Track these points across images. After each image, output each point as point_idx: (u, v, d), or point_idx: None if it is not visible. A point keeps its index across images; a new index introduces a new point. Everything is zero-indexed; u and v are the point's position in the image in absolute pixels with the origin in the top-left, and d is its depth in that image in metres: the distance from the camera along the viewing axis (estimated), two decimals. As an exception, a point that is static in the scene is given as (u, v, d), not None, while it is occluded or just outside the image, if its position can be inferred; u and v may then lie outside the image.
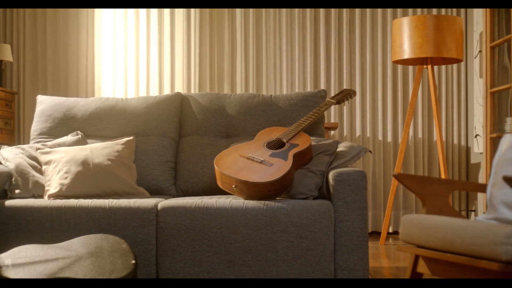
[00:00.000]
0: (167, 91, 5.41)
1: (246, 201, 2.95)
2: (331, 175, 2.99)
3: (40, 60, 5.49)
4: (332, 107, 5.43)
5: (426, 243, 2.13)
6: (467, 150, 5.50)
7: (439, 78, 5.47)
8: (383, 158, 5.46)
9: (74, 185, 3.16)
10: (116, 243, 2.81)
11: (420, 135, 5.45)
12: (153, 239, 2.96)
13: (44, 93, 5.50)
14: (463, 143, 5.47)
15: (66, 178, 3.17)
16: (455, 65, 5.46)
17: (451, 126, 5.49)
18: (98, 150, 3.30)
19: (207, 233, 2.92)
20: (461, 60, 4.71)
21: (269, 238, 2.89)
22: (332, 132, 5.39)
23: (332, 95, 5.37)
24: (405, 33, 4.62)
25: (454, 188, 2.35)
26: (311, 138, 3.40)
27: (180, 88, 5.46)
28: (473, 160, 5.36)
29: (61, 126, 3.60)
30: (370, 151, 3.28)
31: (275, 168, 2.96)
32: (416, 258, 2.31)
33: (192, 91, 5.35)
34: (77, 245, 2.78)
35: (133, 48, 5.46)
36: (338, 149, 3.30)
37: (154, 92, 5.44)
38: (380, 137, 5.43)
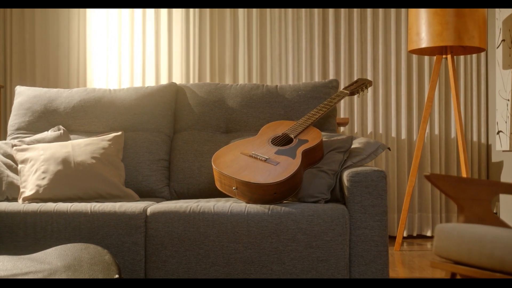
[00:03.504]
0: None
1: (248, 205, 2.61)
2: (345, 175, 2.64)
3: (28, 50, 5.12)
4: (342, 101, 5.05)
5: (468, 259, 1.74)
6: (488, 147, 5.11)
7: (457, 69, 5.09)
8: (396, 156, 5.09)
9: (53, 186, 2.78)
10: (98, 254, 2.43)
11: (436, 131, 5.07)
12: (142, 248, 2.59)
13: (33, 86, 5.13)
14: (483, 140, 5.08)
15: (43, 178, 2.79)
16: (474, 56, 5.07)
17: (470, 122, 5.11)
18: (81, 147, 2.92)
19: (204, 242, 2.56)
20: (484, 50, 4.33)
21: (275, 247, 2.53)
22: (342, 128, 5.01)
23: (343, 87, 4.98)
24: (423, 19, 4.23)
25: (497, 191, 1.96)
26: (322, 133, 3.03)
27: (178, 81, 5.09)
28: (494, 159, 4.97)
29: (41, 120, 3.23)
30: (389, 148, 2.91)
31: (282, 167, 2.61)
32: (453, 276, 1.92)
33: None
34: (52, 257, 2.41)
35: (127, 38, 5.09)
36: (352, 146, 2.94)
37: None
38: (393, 134, 5.06)
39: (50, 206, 2.65)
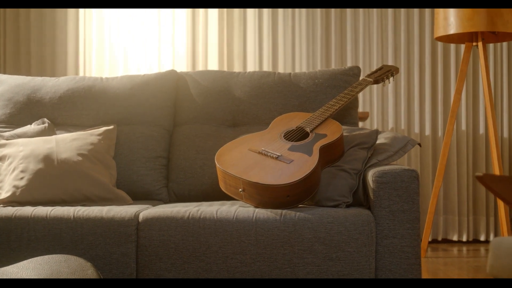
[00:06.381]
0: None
1: (257, 210, 2.25)
2: (370, 175, 2.29)
3: (23, 38, 4.78)
4: (360, 94, 4.67)
5: (537, 284, 1.35)
6: (519, 144, 4.71)
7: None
8: (419, 154, 4.70)
9: (32, 187, 2.42)
10: (80, 268, 2.08)
11: (463, 127, 4.68)
12: (132, 261, 2.24)
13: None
14: (514, 136, 4.69)
15: (21, 178, 2.43)
16: (504, 44, 4.68)
17: (500, 117, 4.71)
18: (66, 143, 2.56)
19: (205, 253, 2.20)
20: (519, 36, 3.93)
21: (288, 260, 2.18)
22: (361, 124, 4.63)
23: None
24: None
25: None
26: (343, 127, 2.67)
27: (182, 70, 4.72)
28: (527, 157, 4.58)
29: (24, 112, 2.88)
30: (419, 144, 2.53)
31: (296, 166, 2.27)
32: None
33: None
34: (26, 271, 2.06)
35: (128, 25, 4.73)
36: (377, 142, 2.58)
37: (152, 77, 4.70)
38: (416, 130, 4.68)
39: (27, 210, 2.30)
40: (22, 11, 4.79)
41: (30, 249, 2.26)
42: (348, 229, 2.19)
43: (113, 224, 2.24)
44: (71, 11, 4.76)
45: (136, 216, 2.27)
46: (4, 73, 4.81)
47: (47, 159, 2.48)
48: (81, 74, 4.75)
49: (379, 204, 2.24)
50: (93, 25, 4.75)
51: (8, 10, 4.81)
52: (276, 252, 2.19)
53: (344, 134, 2.59)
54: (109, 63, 4.74)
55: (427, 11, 4.67)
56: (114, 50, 4.74)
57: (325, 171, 2.40)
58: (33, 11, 4.78)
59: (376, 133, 2.53)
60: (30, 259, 2.13)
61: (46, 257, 2.14)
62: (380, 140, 2.59)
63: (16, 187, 2.42)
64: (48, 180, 2.44)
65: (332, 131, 2.47)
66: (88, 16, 4.76)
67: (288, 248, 2.19)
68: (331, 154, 2.44)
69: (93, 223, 2.25)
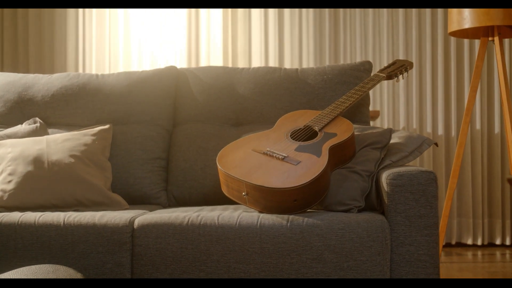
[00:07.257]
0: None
1: (261, 215, 2.11)
2: (384, 178, 2.14)
3: (21, 37, 4.66)
4: (370, 92, 4.50)
5: None
6: (536, 144, 4.54)
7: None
8: (432, 154, 4.54)
9: (21, 191, 2.27)
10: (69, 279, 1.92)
11: (478, 126, 4.51)
12: (127, 270, 2.09)
13: (25, 77, 4.66)
14: (531, 135, 4.52)
15: (9, 182, 2.28)
16: (521, 40, 4.51)
17: (516, 115, 4.54)
18: (58, 143, 2.41)
19: (205, 262, 2.06)
20: (537, 30, 3.75)
21: (295, 269, 2.04)
22: (371, 123, 4.47)
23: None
24: (466, -5, 3.67)
25: None
26: (354, 125, 2.52)
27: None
28: (544, 157, 4.40)
29: (14, 111, 2.74)
30: (436, 144, 2.37)
31: (304, 168, 2.13)
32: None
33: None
34: (10, 283, 1.91)
35: (128, 19, 4.59)
36: (391, 141, 2.42)
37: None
38: (429, 129, 4.52)
39: (14, 216, 2.14)
40: (21, 10, 4.66)
41: (16, 258, 2.11)
42: (360, 236, 2.04)
43: (106, 231, 2.09)
44: (70, 8, 4.63)
45: (131, 222, 2.11)
46: (2, 71, 4.68)
47: (37, 161, 2.33)
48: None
49: (394, 209, 2.08)
50: (93, 22, 4.62)
51: (5, 10, 4.69)
52: (282, 261, 2.04)
53: (356, 133, 2.44)
54: (109, 62, 4.61)
55: (440, 5, 4.52)
56: (114, 49, 4.61)
57: (335, 173, 2.26)
58: (32, 10, 4.64)
59: (390, 132, 2.37)
60: (15, 270, 1.98)
61: (33, 267, 1.99)
62: (394, 139, 2.44)
63: (3, 191, 2.27)
64: (38, 184, 2.29)
65: (343, 130, 2.32)
66: (88, 13, 4.63)
67: (296, 257, 2.04)
68: (342, 154, 2.29)
69: (84, 230, 2.09)
